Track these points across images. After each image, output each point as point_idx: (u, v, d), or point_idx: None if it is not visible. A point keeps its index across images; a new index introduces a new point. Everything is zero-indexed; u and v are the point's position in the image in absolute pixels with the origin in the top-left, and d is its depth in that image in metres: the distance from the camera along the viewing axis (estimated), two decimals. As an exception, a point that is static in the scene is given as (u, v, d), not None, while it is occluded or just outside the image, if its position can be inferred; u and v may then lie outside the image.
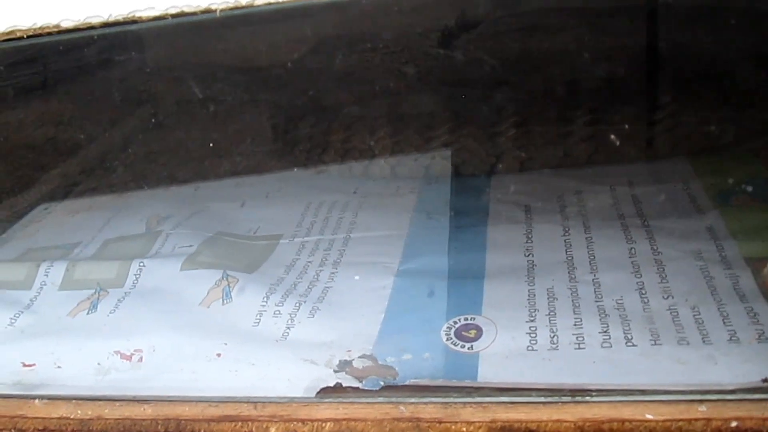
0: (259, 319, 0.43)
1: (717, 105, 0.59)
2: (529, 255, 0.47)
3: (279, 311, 0.44)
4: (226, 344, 0.41)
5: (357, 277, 0.46)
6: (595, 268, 0.44)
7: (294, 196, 0.60)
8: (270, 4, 0.28)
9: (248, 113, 0.79)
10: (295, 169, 0.68)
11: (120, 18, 0.30)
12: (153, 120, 0.83)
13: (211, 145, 0.74)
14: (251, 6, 0.28)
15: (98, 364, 0.41)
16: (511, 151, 0.61)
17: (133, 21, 0.30)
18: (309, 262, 0.50)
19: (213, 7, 0.28)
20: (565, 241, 0.47)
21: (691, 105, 0.60)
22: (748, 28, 0.58)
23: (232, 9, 0.28)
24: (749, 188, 0.50)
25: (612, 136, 0.59)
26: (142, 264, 0.50)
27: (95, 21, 0.30)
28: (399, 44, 0.80)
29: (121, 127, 0.82)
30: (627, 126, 0.59)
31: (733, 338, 0.36)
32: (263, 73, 0.82)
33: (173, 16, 0.29)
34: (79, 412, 0.39)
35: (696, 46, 0.64)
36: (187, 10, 0.29)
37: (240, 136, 0.75)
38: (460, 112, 0.67)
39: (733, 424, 0.32)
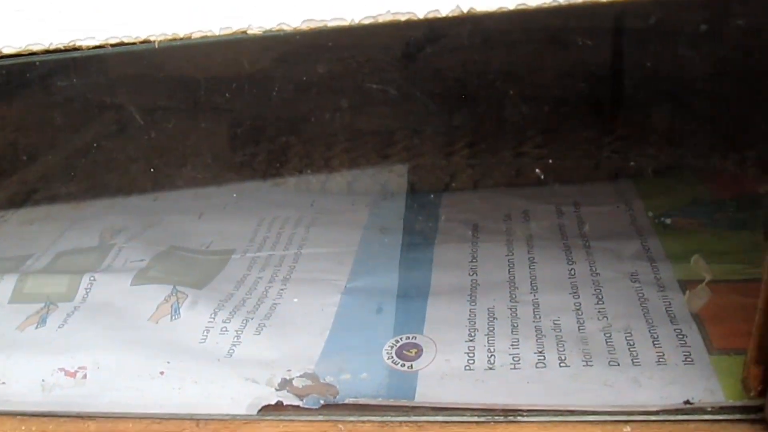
0: (206, 336, 0.44)
1: (667, 127, 0.61)
2: (473, 274, 0.48)
3: (226, 328, 0.44)
4: (169, 362, 0.41)
5: (296, 300, 0.47)
6: (535, 288, 0.45)
7: (250, 210, 0.61)
8: (207, 37, 0.29)
9: (208, 124, 0.79)
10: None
11: (61, 46, 0.30)
12: (113, 130, 0.83)
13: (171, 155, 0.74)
14: (188, 38, 0.29)
15: (43, 380, 0.41)
16: (465, 169, 0.62)
17: (74, 48, 0.30)
18: (259, 278, 0.50)
19: (152, 38, 0.29)
20: (508, 260, 0.49)
21: (642, 127, 0.61)
22: (705, 52, 0.59)
23: (170, 40, 0.29)
24: (690, 210, 0.52)
25: (562, 157, 0.60)
26: (92, 278, 0.50)
27: (36, 48, 0.30)
28: (362, 57, 0.81)
29: (81, 136, 0.82)
30: (578, 146, 0.61)
31: (660, 360, 0.38)
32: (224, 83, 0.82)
33: (112, 45, 0.30)
34: (23, 428, 0.39)
35: (651, 68, 0.65)
36: (126, 40, 0.29)
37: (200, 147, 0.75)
38: (417, 127, 0.68)
39: (655, 444, 0.34)
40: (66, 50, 0.30)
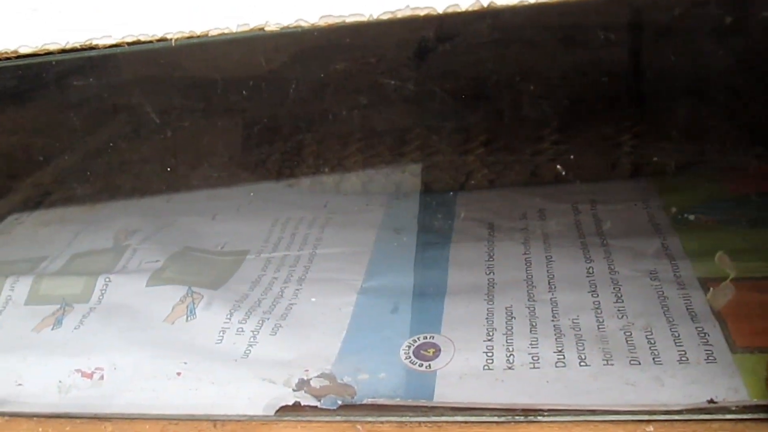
0: (222, 337, 0.44)
1: (684, 126, 0.60)
2: (490, 273, 0.47)
3: (242, 329, 0.44)
4: (185, 363, 0.41)
5: (313, 300, 0.47)
6: (553, 287, 0.45)
7: (264, 211, 0.61)
8: (224, 34, 0.29)
9: (222, 124, 0.79)
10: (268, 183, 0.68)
11: (77, 45, 0.30)
12: (126, 131, 0.83)
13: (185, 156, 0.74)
14: (205, 36, 0.29)
15: (60, 381, 0.41)
16: (480, 169, 0.62)
17: (91, 48, 0.30)
18: (274, 278, 0.50)
19: (168, 36, 0.29)
20: (525, 259, 0.48)
21: (659, 125, 0.61)
22: (723, 51, 0.59)
23: (187, 38, 0.29)
24: (708, 209, 0.51)
25: (579, 155, 0.60)
26: (108, 279, 0.50)
27: (53, 47, 0.30)
28: (375, 56, 0.81)
29: (96, 137, 0.82)
30: (595, 144, 0.60)
31: (682, 359, 0.37)
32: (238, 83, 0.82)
33: (129, 44, 0.29)
34: (40, 429, 0.39)
35: (668, 66, 0.65)
36: (142, 38, 0.29)
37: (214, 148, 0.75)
38: (432, 126, 0.67)
39: (679, 444, 0.33)
40: (82, 49, 0.30)
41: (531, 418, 0.35)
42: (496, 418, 0.36)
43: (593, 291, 0.44)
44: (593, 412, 0.35)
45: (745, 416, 0.34)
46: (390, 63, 0.79)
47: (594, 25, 0.67)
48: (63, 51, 0.30)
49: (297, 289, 0.48)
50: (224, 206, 0.63)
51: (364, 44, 0.81)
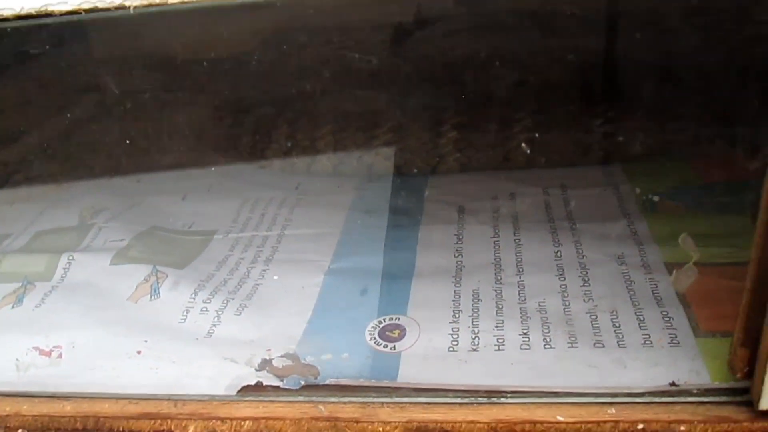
0: (186, 316, 0.43)
1: (656, 112, 0.60)
2: (458, 256, 0.47)
3: (206, 308, 0.44)
4: (146, 341, 0.40)
5: (276, 278, 0.46)
6: (521, 270, 0.45)
7: (234, 191, 0.60)
8: (185, 3, 0.28)
9: (194, 105, 0.78)
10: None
11: (32, 11, 0.29)
12: (97, 111, 0.82)
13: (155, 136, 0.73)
14: (165, 4, 0.28)
15: (17, 359, 0.40)
16: (453, 152, 0.61)
17: (47, 14, 0.29)
18: (241, 258, 0.49)
19: (127, 3, 0.28)
20: (494, 242, 0.48)
21: (631, 111, 0.61)
22: (698, 39, 0.59)
23: (146, 6, 0.28)
24: (677, 195, 0.51)
25: (550, 140, 0.59)
26: (71, 257, 0.49)
27: (7, 13, 0.29)
28: (351, 39, 0.80)
29: (63, 117, 0.81)
30: (567, 130, 0.60)
31: (646, 342, 0.37)
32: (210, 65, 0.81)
33: (86, 11, 0.29)
34: (-3, 408, 0.38)
35: (641, 53, 0.65)
36: (100, 5, 0.28)
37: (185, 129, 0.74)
38: (405, 110, 0.67)
39: (640, 426, 0.33)
40: (38, 15, 0.29)
41: (494, 399, 0.35)
42: (459, 400, 0.35)
43: (560, 274, 0.44)
44: (556, 394, 0.35)
45: (706, 399, 0.34)
46: (366, 46, 0.79)
47: (567, 12, 0.67)
48: (18, 17, 0.29)
49: (264, 270, 0.48)
50: (194, 187, 0.62)
51: (340, 28, 0.80)
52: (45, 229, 0.55)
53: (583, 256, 0.45)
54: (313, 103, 0.72)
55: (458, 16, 0.78)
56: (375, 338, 0.40)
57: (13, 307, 0.45)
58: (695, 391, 0.34)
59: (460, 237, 0.49)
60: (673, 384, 0.34)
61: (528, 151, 0.58)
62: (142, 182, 0.65)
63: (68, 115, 0.81)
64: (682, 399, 0.34)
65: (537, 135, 0.60)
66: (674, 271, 0.42)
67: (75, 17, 0.30)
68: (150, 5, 0.28)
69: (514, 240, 0.48)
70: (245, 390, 0.37)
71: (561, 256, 0.45)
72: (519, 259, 0.46)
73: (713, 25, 0.55)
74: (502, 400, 0.35)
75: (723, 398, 0.34)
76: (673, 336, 0.38)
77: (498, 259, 0.46)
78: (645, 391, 0.34)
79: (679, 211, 0.50)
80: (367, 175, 0.62)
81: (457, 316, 0.41)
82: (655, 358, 0.36)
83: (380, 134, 0.64)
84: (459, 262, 0.46)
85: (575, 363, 0.36)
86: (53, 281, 0.48)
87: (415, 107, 0.67)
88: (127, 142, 0.74)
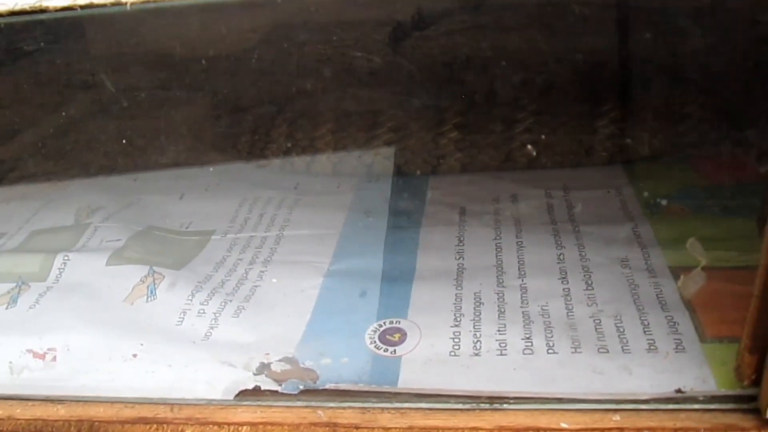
0: (183, 318, 0.42)
1: (661, 114, 0.60)
2: (459, 258, 0.46)
3: (203, 310, 0.43)
4: (142, 344, 0.40)
5: (274, 280, 0.46)
6: (523, 273, 0.44)
7: (232, 191, 0.59)
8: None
9: (193, 104, 0.78)
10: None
11: (27, 7, 0.28)
12: (94, 108, 0.81)
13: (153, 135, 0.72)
14: (162, 0, 0.27)
15: (10, 362, 0.39)
16: (453, 152, 0.61)
17: (41, 10, 0.29)
18: (239, 259, 0.49)
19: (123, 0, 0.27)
20: (496, 245, 0.47)
21: (636, 113, 0.60)
22: (706, 39, 0.58)
23: (142, 2, 0.27)
24: (681, 197, 0.51)
25: (553, 141, 0.59)
26: (66, 258, 0.48)
27: (2, 9, 0.29)
28: (351, 38, 0.80)
29: (61, 115, 0.80)
30: (570, 131, 0.60)
31: (651, 348, 0.37)
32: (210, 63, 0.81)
33: (81, 6, 0.28)
34: (-10, 411, 0.38)
35: (647, 53, 0.64)
36: (96, 1, 0.28)
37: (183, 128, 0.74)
38: (406, 109, 0.66)
39: (645, 433, 0.32)
40: (33, 12, 0.29)
41: (496, 405, 0.35)
42: (460, 405, 0.35)
43: (563, 278, 0.43)
44: (560, 400, 0.34)
45: (712, 406, 0.33)
46: (366, 45, 0.78)
47: (573, 12, 0.67)
48: (12, 13, 0.29)
49: (262, 271, 0.47)
50: (192, 186, 0.62)
51: (340, 26, 0.79)
52: (40, 229, 0.54)
53: (587, 260, 0.44)
54: (312, 101, 0.71)
55: (460, 13, 0.77)
56: (375, 342, 0.39)
57: (7, 308, 0.45)
58: (701, 398, 0.33)
59: (462, 239, 0.49)
60: (678, 391, 0.34)
61: (533, 153, 0.57)
62: (139, 181, 0.65)
63: (64, 113, 0.81)
64: (688, 406, 0.33)
65: (540, 136, 0.59)
66: (681, 276, 0.41)
67: (70, 13, 0.29)
68: (147, 1, 0.27)
69: (517, 242, 0.47)
70: (243, 394, 0.37)
71: (564, 259, 0.45)
72: (521, 262, 0.45)
73: (721, 25, 0.55)
74: (505, 406, 0.35)
75: (729, 405, 0.33)
76: (679, 342, 0.37)
77: (500, 262, 0.45)
78: (650, 397, 0.34)
79: (684, 214, 0.49)
80: (366, 175, 0.61)
81: (458, 319, 0.40)
82: (661, 364, 0.35)
83: (380, 134, 0.63)
84: (460, 265, 0.46)
85: (579, 369, 0.36)
86: (48, 282, 0.47)
87: (416, 106, 0.67)
88: (124, 140, 0.73)
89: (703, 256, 0.42)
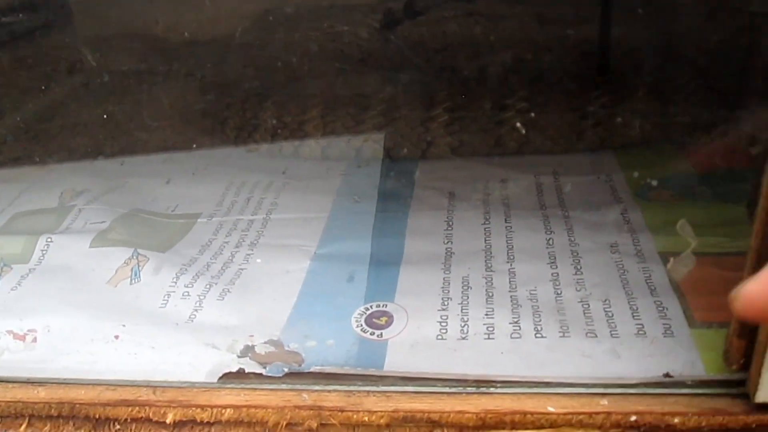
0: (167, 301, 0.42)
1: (650, 100, 0.59)
2: (448, 242, 0.46)
3: (188, 293, 0.42)
4: (124, 326, 0.39)
5: (259, 261, 0.45)
6: (512, 257, 0.44)
7: (220, 175, 0.59)
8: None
9: (181, 88, 0.77)
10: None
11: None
12: (81, 92, 0.80)
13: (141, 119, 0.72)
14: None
15: (-10, 344, 0.39)
16: (443, 137, 0.60)
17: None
18: (225, 242, 0.48)
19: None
20: (485, 229, 0.47)
21: (625, 99, 0.60)
22: (697, 22, 0.58)
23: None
24: (671, 183, 0.50)
25: (543, 126, 0.58)
26: (49, 239, 0.47)
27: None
28: (342, 23, 0.79)
29: (48, 98, 0.79)
30: (560, 116, 0.59)
31: (640, 332, 0.36)
32: (198, 47, 0.80)
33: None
34: (-31, 393, 0.37)
35: (637, 40, 0.64)
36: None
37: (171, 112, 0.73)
38: (395, 94, 0.66)
39: (633, 418, 0.32)
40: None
41: (483, 389, 0.34)
42: (447, 389, 0.34)
43: (552, 262, 0.43)
44: (547, 384, 0.34)
45: (700, 391, 0.33)
46: (357, 31, 0.78)
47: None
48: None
49: (248, 254, 0.46)
50: (179, 170, 0.61)
51: (332, 10, 0.79)
52: (23, 211, 0.54)
53: (576, 244, 0.44)
54: (301, 85, 0.71)
55: (452, 0, 0.77)
56: (361, 325, 0.39)
57: (-12, 290, 0.44)
58: (690, 383, 0.33)
59: (450, 223, 0.48)
60: (667, 375, 0.34)
61: (523, 132, 0.56)
62: (126, 164, 0.64)
63: (51, 96, 0.80)
64: (677, 390, 0.33)
65: (530, 120, 0.59)
66: (671, 259, 0.41)
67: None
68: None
69: (505, 227, 0.47)
70: (227, 377, 0.36)
71: (553, 243, 0.44)
72: (510, 246, 0.45)
73: (713, 8, 0.54)
74: (492, 389, 0.34)
75: (718, 390, 0.33)
76: (668, 326, 0.37)
77: (488, 246, 0.45)
78: (638, 382, 0.33)
79: (674, 200, 0.49)
80: (355, 158, 0.61)
81: (446, 303, 0.40)
82: (649, 348, 0.35)
83: (370, 117, 0.62)
84: (448, 249, 0.45)
85: (567, 352, 0.35)
86: (30, 264, 0.46)
87: (406, 91, 0.66)
88: (112, 124, 0.73)
89: (693, 238, 0.42)
